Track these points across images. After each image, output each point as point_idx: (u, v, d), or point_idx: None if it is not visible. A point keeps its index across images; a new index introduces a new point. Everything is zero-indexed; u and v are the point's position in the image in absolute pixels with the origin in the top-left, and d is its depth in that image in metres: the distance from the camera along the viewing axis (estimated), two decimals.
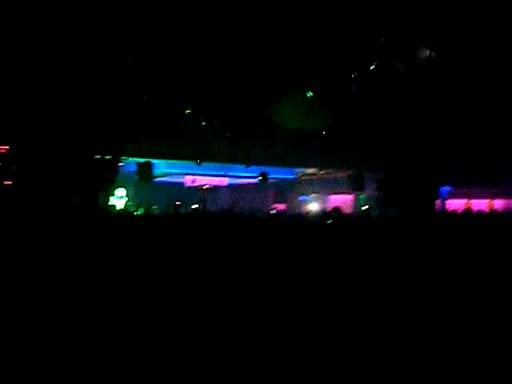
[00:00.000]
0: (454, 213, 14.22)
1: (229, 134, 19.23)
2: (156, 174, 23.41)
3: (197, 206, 23.58)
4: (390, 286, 7.04)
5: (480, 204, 23.94)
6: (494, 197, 24.80)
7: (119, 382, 4.91)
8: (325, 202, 28.97)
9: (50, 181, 11.83)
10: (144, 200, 22.86)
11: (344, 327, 5.99)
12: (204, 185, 29.61)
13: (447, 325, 5.95)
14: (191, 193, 29.49)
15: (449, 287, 6.90)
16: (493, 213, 15.07)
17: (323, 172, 28.47)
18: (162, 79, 17.15)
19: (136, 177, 21.80)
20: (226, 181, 29.84)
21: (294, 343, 5.57)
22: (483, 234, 9.02)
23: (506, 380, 4.96)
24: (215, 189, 31.48)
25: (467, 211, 15.60)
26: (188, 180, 28.24)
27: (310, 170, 28.82)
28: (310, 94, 16.29)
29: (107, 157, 14.35)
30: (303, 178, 30.69)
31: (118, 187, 23.95)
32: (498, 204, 24.19)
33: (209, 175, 27.78)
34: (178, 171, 26.25)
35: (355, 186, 24.24)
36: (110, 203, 19.14)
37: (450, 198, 25.25)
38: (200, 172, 26.46)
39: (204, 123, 19.52)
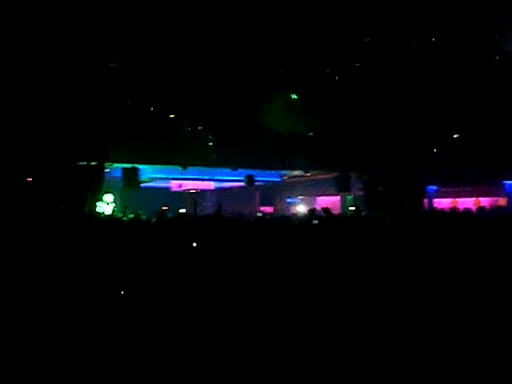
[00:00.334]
0: (441, 211, 14.27)
1: (214, 138, 19.17)
2: (142, 180, 23.29)
3: (184, 210, 23.53)
4: (378, 285, 7.02)
5: (467, 202, 24.01)
6: (480, 195, 24.90)
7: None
8: (312, 203, 28.96)
9: (35, 187, 11.71)
10: (130, 205, 22.75)
11: (332, 326, 5.95)
12: (190, 189, 29.53)
13: (438, 323, 5.93)
14: (178, 197, 29.44)
15: (437, 285, 6.88)
16: (480, 210, 15.15)
17: (309, 174, 28.47)
18: (147, 84, 17.08)
19: (122, 182, 21.66)
20: (212, 185, 29.78)
21: (280, 342, 5.53)
22: (471, 231, 9.03)
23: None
24: (202, 193, 31.44)
25: (454, 210, 15.68)
26: (174, 185, 28.15)
27: (296, 172, 28.81)
28: (294, 96, 16.27)
29: (92, 163, 14.26)
30: (289, 180, 30.69)
31: (105, 193, 23.80)
32: (485, 202, 24.27)
33: (195, 179, 27.68)
34: (164, 176, 26.14)
35: (341, 187, 24.27)
36: (97, 209, 18.99)
37: (436, 196, 25.35)
38: (186, 176, 26.36)
39: (189, 128, 19.45)
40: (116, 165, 20.54)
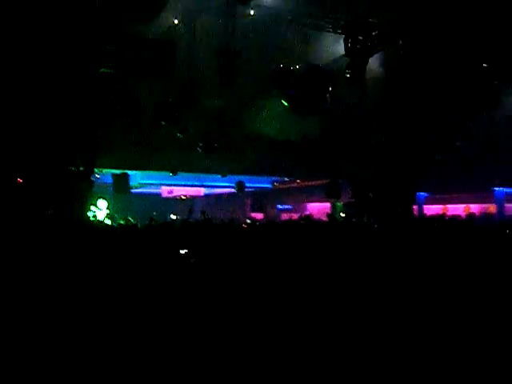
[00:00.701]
0: (431, 218, 14.29)
1: (202, 145, 19.15)
2: (132, 185, 23.26)
3: (174, 216, 23.51)
4: (364, 291, 7.00)
5: (457, 209, 24.08)
6: (470, 202, 24.98)
7: None
8: (302, 210, 28.96)
9: (22, 192, 11.64)
10: (121, 211, 22.71)
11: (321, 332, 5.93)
12: (181, 195, 29.52)
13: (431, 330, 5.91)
14: (169, 203, 29.44)
15: (427, 290, 6.87)
16: (470, 218, 15.19)
17: (300, 180, 28.48)
18: (137, 90, 17.07)
19: (112, 188, 21.62)
20: (202, 191, 29.77)
21: (275, 346, 5.51)
22: (461, 238, 9.05)
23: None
24: (192, 199, 31.41)
25: (444, 217, 15.70)
26: (164, 191, 28.15)
27: (287, 179, 28.81)
28: (285, 102, 16.25)
29: (81, 168, 14.20)
30: (280, 186, 30.68)
31: (98, 198, 23.77)
32: (475, 208, 24.36)
33: (185, 185, 27.68)
34: (154, 182, 26.14)
35: (332, 193, 24.25)
36: (88, 215, 18.93)
37: (426, 203, 25.41)
38: (176, 182, 26.36)
39: (179, 134, 19.42)
40: (106, 170, 20.51)
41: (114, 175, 21.05)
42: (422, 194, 24.51)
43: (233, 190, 25.91)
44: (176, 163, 21.50)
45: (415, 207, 22.28)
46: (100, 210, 24.21)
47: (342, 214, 26.01)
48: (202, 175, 25.03)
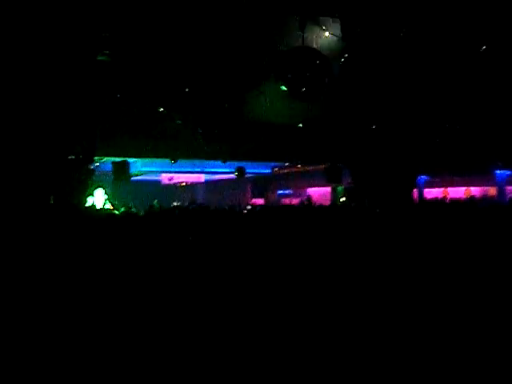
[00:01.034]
0: (433, 202, 14.26)
1: (202, 131, 19.08)
2: (132, 173, 23.22)
3: (175, 203, 23.49)
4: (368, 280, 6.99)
5: (457, 192, 24.07)
6: (471, 185, 24.95)
7: None
8: (303, 195, 28.97)
9: (22, 182, 11.62)
10: (121, 199, 22.69)
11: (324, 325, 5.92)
12: (181, 182, 29.51)
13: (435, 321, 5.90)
14: (169, 190, 29.44)
15: (430, 280, 6.85)
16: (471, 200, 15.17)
17: (300, 165, 28.43)
18: (136, 77, 16.99)
19: (112, 176, 21.58)
20: (202, 177, 29.73)
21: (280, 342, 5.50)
22: (464, 221, 9.01)
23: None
24: (193, 186, 31.42)
25: (444, 201, 15.69)
26: (165, 178, 28.13)
27: (287, 164, 28.76)
28: (283, 87, 16.17)
29: (80, 156, 14.17)
30: (280, 172, 30.63)
31: (97, 187, 23.76)
32: (476, 191, 24.34)
33: (185, 172, 27.65)
34: (154, 169, 26.10)
35: (332, 178, 24.21)
36: (87, 203, 18.91)
37: (426, 186, 25.37)
38: (176, 169, 26.31)
39: (179, 121, 19.35)
40: (106, 158, 20.47)
41: (113, 163, 20.99)
42: (422, 176, 24.45)
43: (233, 176, 25.85)
44: (176, 150, 21.43)
45: (415, 190, 22.27)
46: (98, 198, 24.19)
47: (343, 199, 26.03)
48: (202, 161, 24.97)
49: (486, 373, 4.86)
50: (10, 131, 11.56)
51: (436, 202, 14.23)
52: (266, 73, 17.46)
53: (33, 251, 7.05)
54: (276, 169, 30.16)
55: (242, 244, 8.27)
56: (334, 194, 28.56)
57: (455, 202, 13.70)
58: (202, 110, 19.12)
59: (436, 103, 18.14)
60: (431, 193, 24.24)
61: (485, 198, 21.66)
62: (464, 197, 21.84)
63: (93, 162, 15.59)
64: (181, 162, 23.20)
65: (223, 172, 27.17)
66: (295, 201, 27.47)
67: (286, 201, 30.17)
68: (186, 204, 15.89)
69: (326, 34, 17.66)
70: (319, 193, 28.54)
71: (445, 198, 20.29)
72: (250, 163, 25.17)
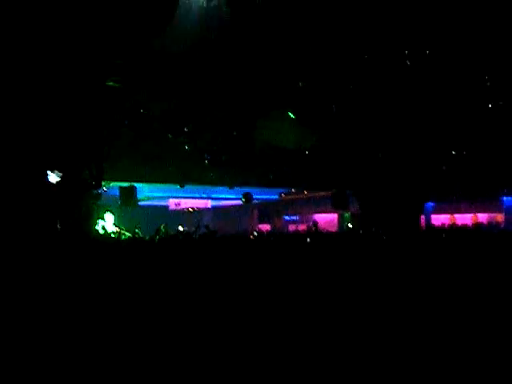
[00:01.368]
0: (440, 228, 14.24)
1: (209, 157, 19.18)
2: (140, 198, 23.29)
3: (182, 228, 23.49)
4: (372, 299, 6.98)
5: (464, 218, 24.02)
6: (478, 211, 24.90)
7: None
8: (309, 221, 28.96)
9: (29, 207, 11.63)
10: (128, 224, 22.71)
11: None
12: (188, 207, 29.57)
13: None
14: (176, 216, 29.47)
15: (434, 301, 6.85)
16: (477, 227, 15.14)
17: (307, 191, 28.47)
18: (144, 103, 17.10)
19: (119, 201, 21.66)
20: (209, 203, 29.80)
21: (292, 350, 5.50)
22: (470, 248, 9.01)
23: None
24: (200, 211, 31.46)
25: (452, 227, 15.66)
26: (172, 203, 28.21)
27: (294, 190, 28.81)
28: (291, 114, 16.28)
29: (88, 181, 14.22)
30: (287, 198, 30.68)
31: (105, 211, 23.83)
32: (483, 218, 24.28)
33: (192, 198, 27.74)
34: (161, 195, 26.19)
35: (339, 204, 24.24)
36: (97, 226, 18.97)
37: (434, 213, 25.34)
38: (184, 195, 26.40)
39: (187, 147, 19.43)
40: (113, 183, 20.55)
41: (121, 188, 21.08)
42: (429, 203, 24.44)
43: (240, 202, 25.89)
44: (183, 176, 21.52)
45: (422, 217, 22.24)
46: (109, 222, 24.24)
47: (350, 225, 25.99)
48: (209, 187, 25.06)
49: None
50: (17, 155, 11.60)
51: (443, 228, 14.20)
52: (275, 99, 17.54)
53: (37, 283, 7.06)
54: (283, 195, 30.21)
55: (250, 274, 8.26)
56: (341, 220, 28.54)
57: (462, 229, 13.68)
58: (209, 136, 19.21)
59: (443, 130, 18.17)
60: (438, 219, 24.19)
61: (491, 225, 21.62)
62: (471, 223, 21.77)
63: (101, 186, 15.63)
64: (188, 187, 23.28)
65: (230, 198, 27.24)
66: (302, 227, 27.44)
67: (293, 227, 30.14)
68: (193, 229, 15.89)
69: None
70: (326, 219, 28.52)
71: (453, 225, 20.26)
72: (257, 189, 25.24)
